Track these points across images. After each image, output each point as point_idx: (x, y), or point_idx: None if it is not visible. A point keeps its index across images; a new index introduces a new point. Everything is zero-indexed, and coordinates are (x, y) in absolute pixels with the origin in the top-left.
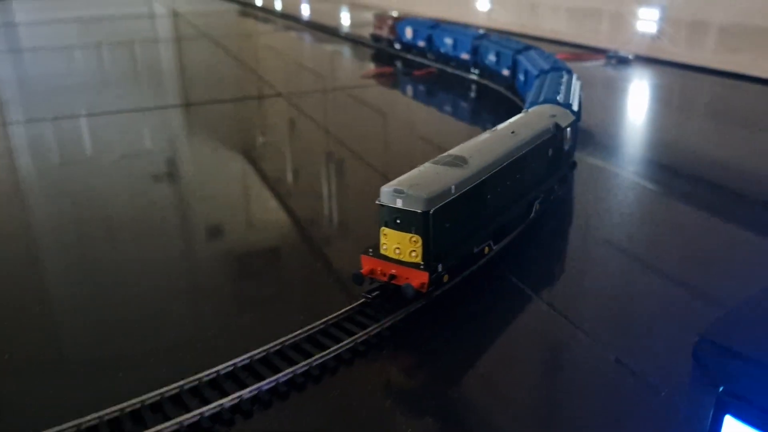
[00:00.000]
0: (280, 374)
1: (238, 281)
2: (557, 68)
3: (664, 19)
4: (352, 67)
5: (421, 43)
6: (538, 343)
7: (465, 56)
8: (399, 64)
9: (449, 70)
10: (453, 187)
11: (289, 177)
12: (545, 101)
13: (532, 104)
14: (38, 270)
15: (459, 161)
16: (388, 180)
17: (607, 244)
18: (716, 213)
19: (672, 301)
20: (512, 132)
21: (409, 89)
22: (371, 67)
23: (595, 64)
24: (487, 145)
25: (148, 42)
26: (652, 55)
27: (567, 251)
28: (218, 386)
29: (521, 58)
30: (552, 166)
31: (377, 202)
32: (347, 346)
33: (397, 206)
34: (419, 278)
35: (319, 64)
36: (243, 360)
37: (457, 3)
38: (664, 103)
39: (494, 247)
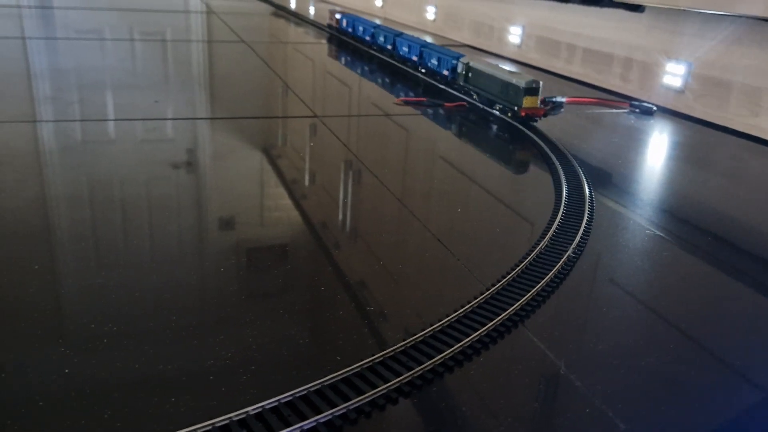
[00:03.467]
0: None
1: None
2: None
3: (689, 75)
4: (381, 93)
5: (350, 30)
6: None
7: (368, 38)
8: (427, 96)
9: (480, 105)
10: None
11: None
12: None
13: None
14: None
15: (522, 73)
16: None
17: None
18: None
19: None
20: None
21: (441, 120)
22: (402, 95)
23: (620, 112)
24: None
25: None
26: (675, 108)
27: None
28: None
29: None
30: None
31: (521, 86)
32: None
33: (533, 86)
34: (543, 111)
35: (347, 85)
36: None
37: (488, 35)
38: (685, 157)
39: None
